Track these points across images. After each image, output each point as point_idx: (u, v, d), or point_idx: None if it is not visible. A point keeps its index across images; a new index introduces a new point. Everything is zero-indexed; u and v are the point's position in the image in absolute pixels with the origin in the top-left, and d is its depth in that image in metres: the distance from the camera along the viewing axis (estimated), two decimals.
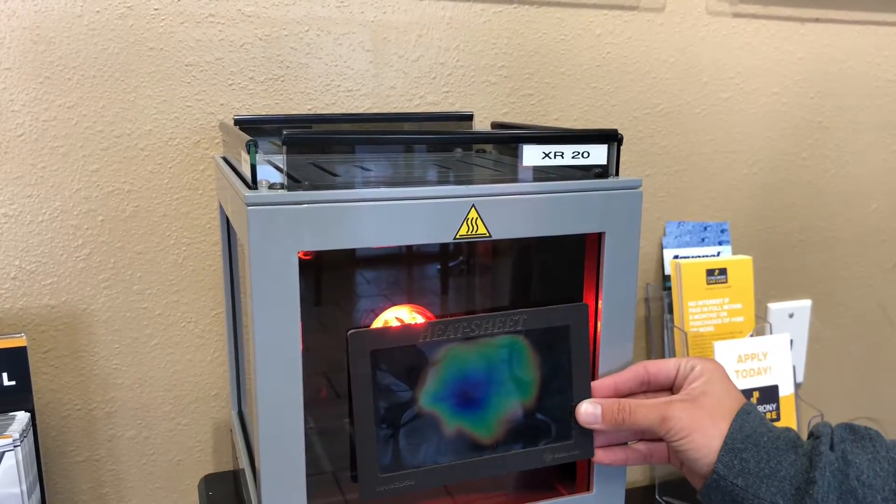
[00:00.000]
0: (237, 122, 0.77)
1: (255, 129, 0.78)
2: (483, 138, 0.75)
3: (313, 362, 0.66)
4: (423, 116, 0.86)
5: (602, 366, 0.63)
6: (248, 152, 0.51)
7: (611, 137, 0.60)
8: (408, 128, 0.86)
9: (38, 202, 0.77)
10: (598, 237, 0.61)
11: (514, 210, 0.57)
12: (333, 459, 0.68)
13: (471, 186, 0.56)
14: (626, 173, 0.99)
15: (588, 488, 0.65)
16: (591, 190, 0.59)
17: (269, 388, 0.53)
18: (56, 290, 0.79)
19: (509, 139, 0.67)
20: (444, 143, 0.74)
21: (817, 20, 1.03)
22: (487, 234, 0.57)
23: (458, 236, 0.56)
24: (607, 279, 0.61)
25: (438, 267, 0.74)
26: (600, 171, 0.61)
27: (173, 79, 0.79)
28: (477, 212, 0.56)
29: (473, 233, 0.56)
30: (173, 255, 0.82)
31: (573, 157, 0.59)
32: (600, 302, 0.62)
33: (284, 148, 0.52)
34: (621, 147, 0.61)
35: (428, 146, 0.75)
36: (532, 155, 0.58)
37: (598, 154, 0.60)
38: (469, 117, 0.87)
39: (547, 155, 0.58)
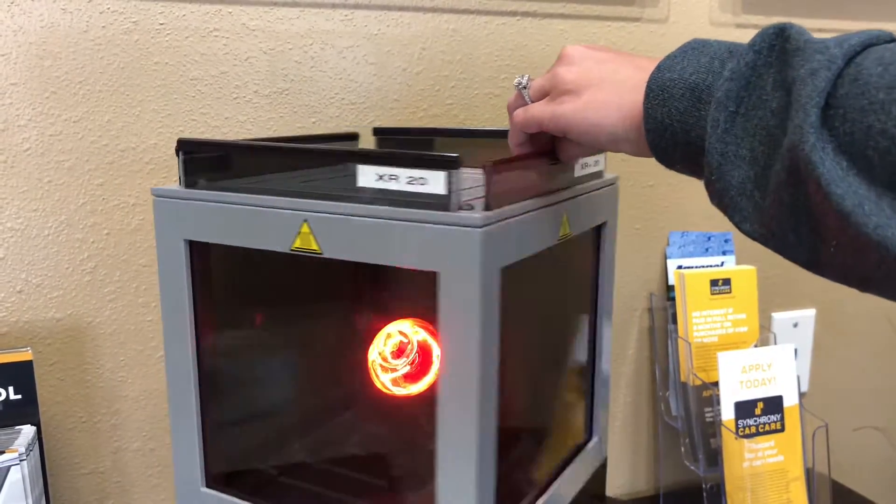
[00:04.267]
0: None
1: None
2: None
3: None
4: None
5: (599, 351, 0.64)
6: (451, 169, 0.51)
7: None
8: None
9: (44, 216, 0.77)
10: (599, 228, 0.66)
11: (587, 207, 0.60)
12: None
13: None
14: (631, 183, 1.00)
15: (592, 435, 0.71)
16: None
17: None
18: (62, 303, 0.79)
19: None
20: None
21: (821, 30, 1.03)
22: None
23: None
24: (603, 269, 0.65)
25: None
26: (599, 172, 0.61)
27: (178, 93, 0.79)
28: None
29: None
30: None
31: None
32: (600, 292, 0.67)
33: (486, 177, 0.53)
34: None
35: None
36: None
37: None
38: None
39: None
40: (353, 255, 0.55)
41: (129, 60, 0.77)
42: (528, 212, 0.56)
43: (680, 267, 1.02)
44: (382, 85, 0.86)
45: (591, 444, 0.75)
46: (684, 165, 0.47)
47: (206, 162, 0.64)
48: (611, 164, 0.72)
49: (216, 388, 0.66)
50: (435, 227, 0.51)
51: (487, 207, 0.52)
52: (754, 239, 0.43)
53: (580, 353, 0.75)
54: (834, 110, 0.37)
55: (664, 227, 1.02)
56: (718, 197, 0.43)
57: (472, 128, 0.89)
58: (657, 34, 0.95)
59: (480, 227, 0.50)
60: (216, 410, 0.66)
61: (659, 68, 0.47)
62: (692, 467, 0.97)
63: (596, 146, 0.54)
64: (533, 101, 0.58)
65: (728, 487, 0.91)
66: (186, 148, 0.62)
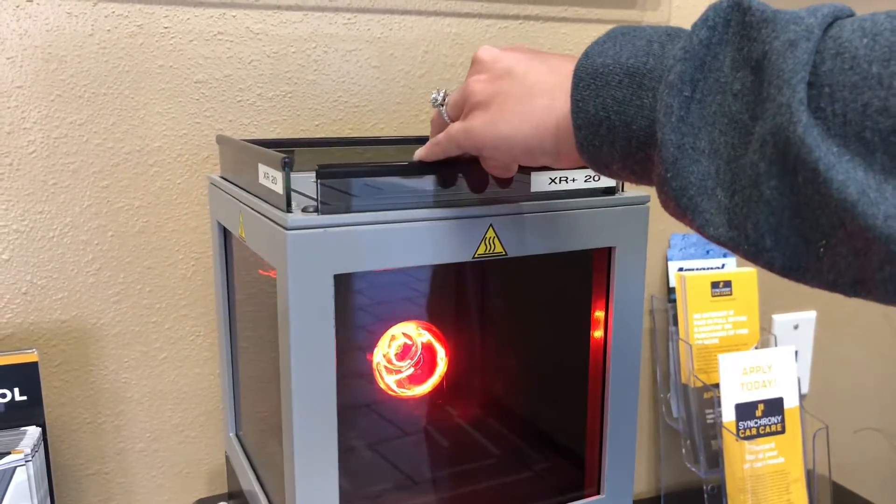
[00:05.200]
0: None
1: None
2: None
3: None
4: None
5: (613, 380, 0.64)
6: (282, 170, 0.52)
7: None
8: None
9: (49, 218, 0.78)
10: (608, 252, 0.62)
11: (529, 228, 0.58)
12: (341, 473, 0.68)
13: (488, 206, 0.57)
14: (633, 186, 1.00)
15: (599, 491, 0.66)
16: (601, 206, 0.61)
17: (306, 413, 0.54)
18: (67, 304, 0.80)
19: (521, 167, 0.66)
20: (462, 172, 0.74)
21: None
22: (504, 253, 0.58)
23: (476, 255, 0.57)
24: (617, 293, 0.62)
25: (446, 282, 0.75)
26: (609, 188, 0.62)
27: (183, 96, 0.80)
28: (494, 231, 0.57)
29: (491, 251, 0.57)
30: (182, 269, 0.83)
31: (585, 181, 0.59)
32: (610, 315, 0.63)
33: (317, 181, 0.53)
34: None
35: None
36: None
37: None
38: None
39: (553, 180, 0.59)
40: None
41: (133, 64, 0.77)
42: (394, 221, 0.54)
43: (681, 269, 1.03)
44: (385, 88, 0.87)
45: (591, 501, 0.67)
46: (623, 165, 0.41)
47: (226, 156, 0.74)
48: None
49: (241, 357, 0.76)
50: (273, 225, 0.53)
51: (322, 211, 0.52)
52: (721, 244, 0.37)
53: (560, 386, 0.72)
54: (817, 89, 0.32)
55: (665, 229, 1.03)
56: (675, 199, 0.38)
57: None
58: None
59: (290, 229, 0.51)
60: (241, 375, 0.76)
61: (587, 55, 0.42)
62: (693, 469, 0.97)
63: (515, 162, 0.50)
64: (451, 119, 0.53)
65: (729, 489, 0.91)
66: (220, 142, 0.77)
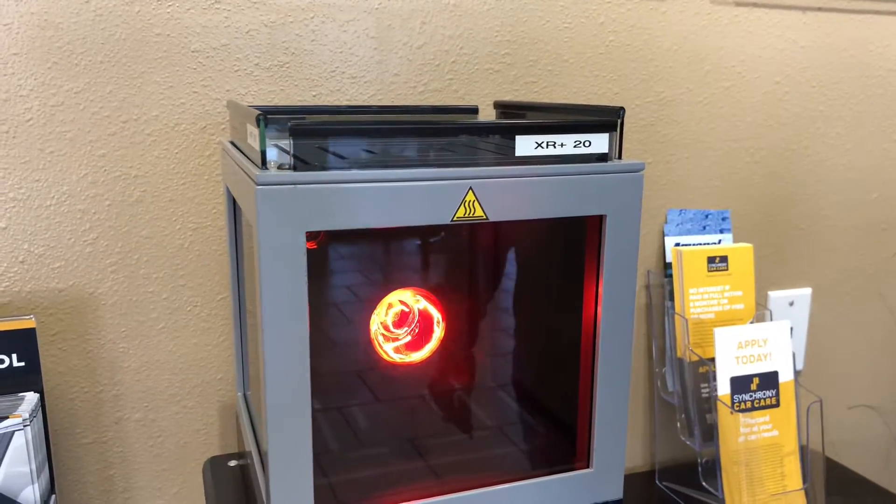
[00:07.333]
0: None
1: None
2: (476, 128, 0.74)
3: (319, 343, 0.67)
4: (428, 109, 0.86)
5: (602, 353, 0.64)
6: (258, 126, 0.52)
7: (610, 127, 0.59)
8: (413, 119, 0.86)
9: (46, 186, 0.77)
10: (599, 220, 0.62)
11: (512, 193, 0.58)
12: (341, 439, 0.69)
13: (468, 169, 0.57)
14: (630, 159, 1.00)
15: (588, 465, 0.66)
16: (592, 173, 0.60)
17: (278, 369, 0.54)
18: (64, 273, 0.80)
19: (504, 129, 0.63)
20: (438, 133, 0.74)
21: (819, 9, 1.04)
22: (484, 217, 0.57)
23: (455, 218, 0.56)
24: (608, 263, 0.62)
25: (441, 248, 0.75)
26: (602, 155, 0.62)
27: (180, 65, 0.79)
28: (474, 194, 0.56)
29: (471, 215, 0.57)
30: (179, 239, 0.83)
31: (575, 147, 0.59)
32: (601, 286, 0.62)
33: (291, 139, 0.53)
34: (623, 128, 0.61)
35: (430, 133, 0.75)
36: (525, 145, 0.58)
37: (599, 142, 0.60)
38: (474, 110, 0.87)
39: (540, 145, 0.58)
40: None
41: (130, 32, 0.77)
42: (369, 181, 0.54)
43: (678, 244, 1.03)
44: (383, 59, 0.86)
45: (577, 473, 0.66)
46: None
47: (232, 120, 0.73)
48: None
49: (249, 319, 0.77)
50: (249, 181, 0.54)
51: (298, 168, 0.53)
52: None
53: (555, 357, 0.71)
54: None
55: (662, 204, 1.03)
56: None
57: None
58: (657, 12, 0.96)
59: (260, 184, 0.52)
60: (248, 336, 0.78)
61: None
62: (688, 442, 0.98)
63: None
64: None
65: (723, 462, 0.92)
66: (228, 107, 0.77)
